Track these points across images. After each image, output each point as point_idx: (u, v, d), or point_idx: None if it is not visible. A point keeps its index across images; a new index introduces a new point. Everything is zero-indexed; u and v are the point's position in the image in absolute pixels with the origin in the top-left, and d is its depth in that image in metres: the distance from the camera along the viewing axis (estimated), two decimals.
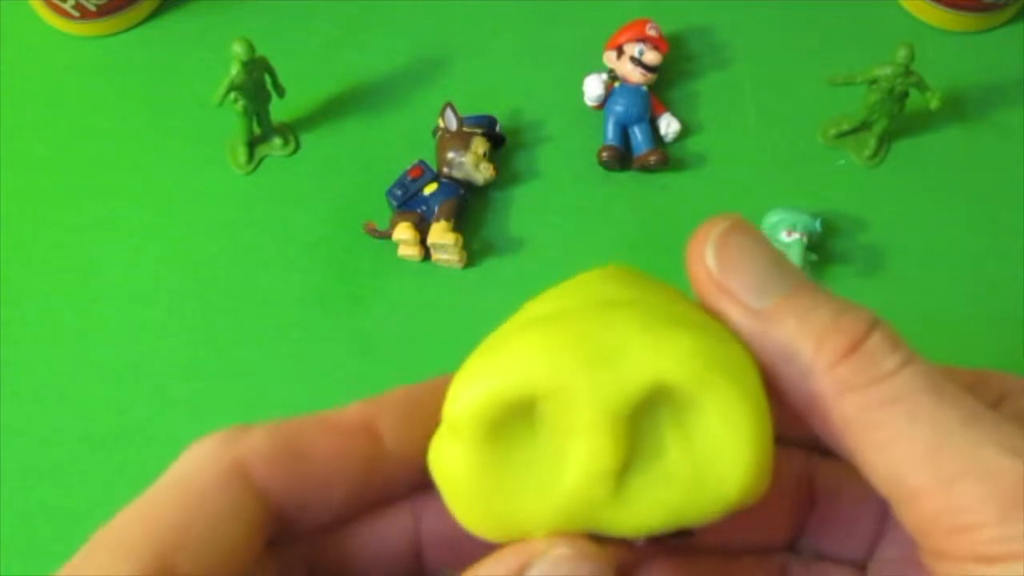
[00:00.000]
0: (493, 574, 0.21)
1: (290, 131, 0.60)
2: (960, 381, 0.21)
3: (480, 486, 0.21)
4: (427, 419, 0.23)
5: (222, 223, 0.58)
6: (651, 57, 0.59)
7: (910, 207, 0.59)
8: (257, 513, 0.22)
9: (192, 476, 0.22)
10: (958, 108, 0.61)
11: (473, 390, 0.21)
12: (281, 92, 0.59)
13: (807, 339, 0.20)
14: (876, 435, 0.19)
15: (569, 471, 0.21)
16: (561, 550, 0.20)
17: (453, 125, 0.58)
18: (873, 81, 0.57)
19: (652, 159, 0.58)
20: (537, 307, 0.23)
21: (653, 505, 0.21)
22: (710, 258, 0.21)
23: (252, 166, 0.60)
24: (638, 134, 0.59)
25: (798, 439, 0.25)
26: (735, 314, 0.21)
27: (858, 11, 0.65)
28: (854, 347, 0.20)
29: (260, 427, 0.23)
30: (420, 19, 0.64)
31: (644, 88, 0.60)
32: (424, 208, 0.57)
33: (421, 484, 0.24)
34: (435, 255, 0.57)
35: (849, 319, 0.20)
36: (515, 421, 0.21)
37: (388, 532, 0.24)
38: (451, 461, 0.21)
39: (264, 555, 0.23)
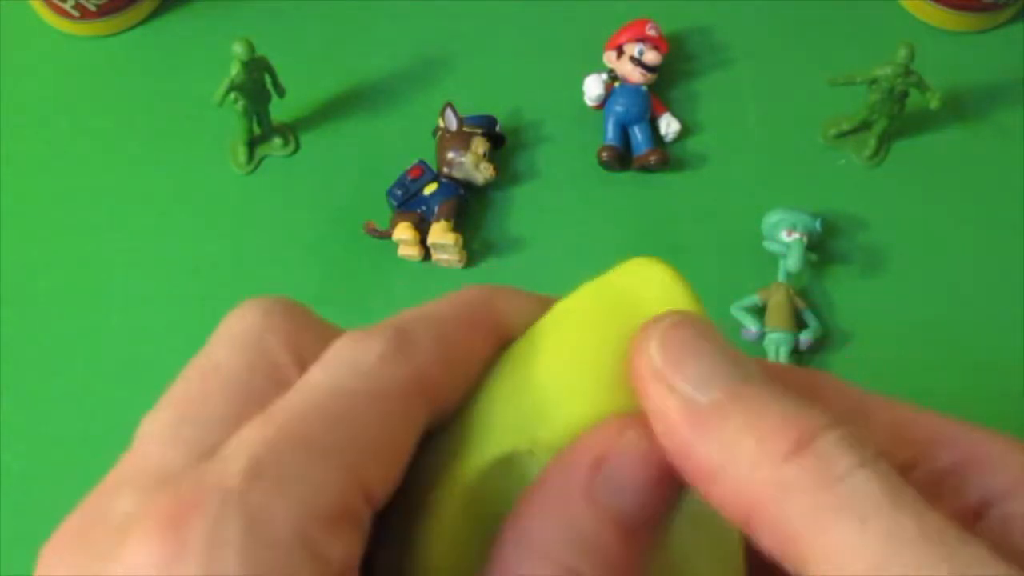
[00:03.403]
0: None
1: (290, 131, 0.60)
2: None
3: None
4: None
5: (222, 223, 0.58)
6: (651, 57, 0.59)
7: (910, 207, 0.59)
8: (424, 417, 0.20)
9: (372, 393, 0.20)
10: (958, 108, 0.61)
11: None
12: (281, 92, 0.59)
13: (750, 437, 0.18)
14: (822, 542, 0.17)
15: None
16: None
17: (453, 125, 0.58)
18: (873, 81, 0.57)
19: (652, 159, 0.58)
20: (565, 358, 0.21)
21: None
22: (654, 350, 0.19)
23: (252, 166, 0.60)
24: (638, 134, 0.59)
25: None
26: (673, 411, 0.19)
27: (858, 11, 0.65)
28: (802, 445, 0.18)
29: (423, 333, 0.21)
30: (420, 19, 0.64)
31: (644, 88, 0.60)
32: (424, 208, 0.57)
33: None
34: (435, 255, 0.57)
35: (801, 417, 0.18)
36: None
37: None
38: None
39: None
